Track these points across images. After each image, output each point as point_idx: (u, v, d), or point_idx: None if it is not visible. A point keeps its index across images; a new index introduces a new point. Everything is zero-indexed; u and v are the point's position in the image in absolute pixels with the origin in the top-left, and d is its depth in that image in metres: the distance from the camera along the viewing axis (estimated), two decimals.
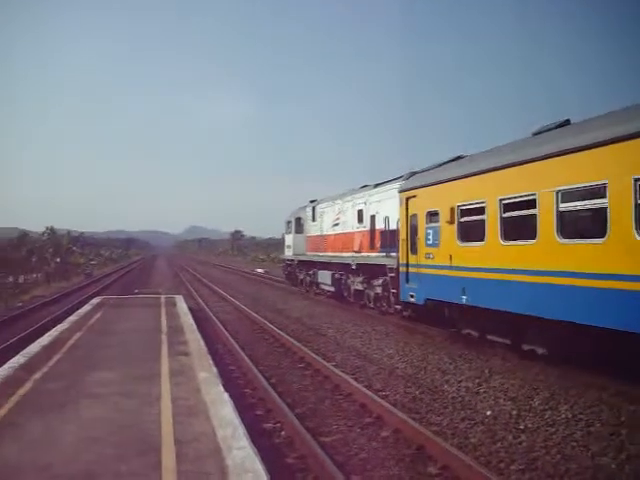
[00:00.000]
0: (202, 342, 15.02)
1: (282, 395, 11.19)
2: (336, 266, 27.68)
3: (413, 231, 18.31)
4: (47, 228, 69.75)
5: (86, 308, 23.80)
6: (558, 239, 11.66)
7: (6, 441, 7.35)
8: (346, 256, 26.08)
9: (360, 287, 24.66)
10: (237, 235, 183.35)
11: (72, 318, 20.38)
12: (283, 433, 9.26)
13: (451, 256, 15.86)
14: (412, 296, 18.32)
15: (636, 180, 9.78)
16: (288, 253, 37.53)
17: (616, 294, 10.19)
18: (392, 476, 7.55)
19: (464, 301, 15.07)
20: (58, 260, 62.62)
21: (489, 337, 14.91)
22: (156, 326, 18.07)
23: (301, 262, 34.85)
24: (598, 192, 10.66)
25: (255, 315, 23.40)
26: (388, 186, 22.17)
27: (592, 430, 9.00)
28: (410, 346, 16.09)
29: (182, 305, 24.73)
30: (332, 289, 28.52)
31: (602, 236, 10.53)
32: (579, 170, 11.23)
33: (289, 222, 37.22)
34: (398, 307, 20.29)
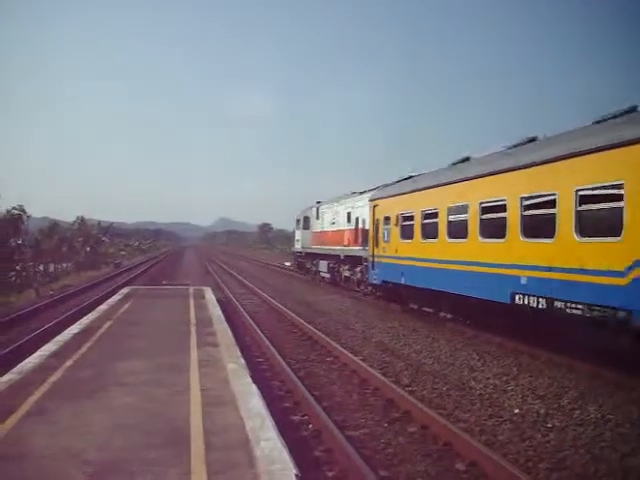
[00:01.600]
0: (230, 333, 15.11)
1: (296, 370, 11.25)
2: (331, 257, 34.12)
3: (376, 230, 24.36)
4: (77, 218, 70.43)
5: (115, 298, 24.05)
6: (447, 239, 17.71)
7: (38, 428, 7.45)
8: (338, 249, 32.13)
9: (348, 274, 31.19)
10: (266, 228, 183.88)
11: (102, 307, 20.62)
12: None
13: (396, 249, 22.03)
14: (375, 279, 24.57)
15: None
16: (297, 246, 43.94)
17: (479, 275, 15.60)
18: (419, 471, 7.55)
19: (403, 281, 21.20)
20: (88, 250, 63.32)
21: (423, 309, 20.85)
22: (185, 317, 18.21)
23: (307, 254, 40.96)
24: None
25: (282, 307, 23.47)
26: (365, 195, 28.04)
27: (621, 431, 8.91)
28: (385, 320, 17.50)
29: (210, 297, 24.88)
30: (328, 276, 35.20)
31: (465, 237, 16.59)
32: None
33: (298, 220, 43.40)
34: (369, 288, 26.52)
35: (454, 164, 19.23)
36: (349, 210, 30.75)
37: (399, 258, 21.58)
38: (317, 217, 38.21)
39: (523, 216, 13.79)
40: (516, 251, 14.04)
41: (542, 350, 13.93)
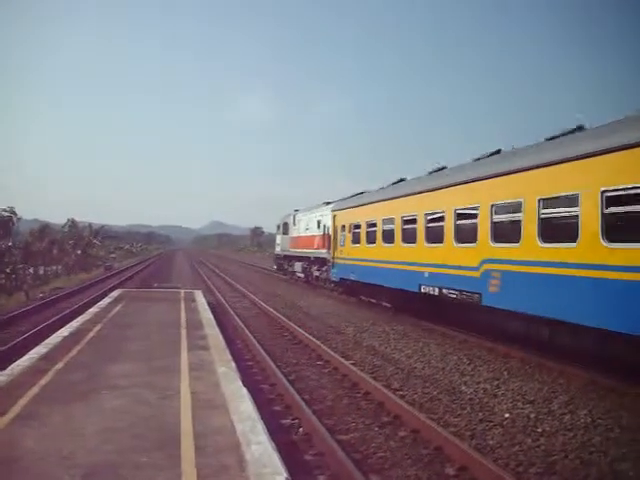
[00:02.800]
0: (221, 337, 15.09)
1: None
2: (304, 259, 38.79)
3: (336, 236, 29.33)
4: (68, 220, 70.24)
5: (106, 300, 23.95)
6: (382, 244, 22.37)
7: (28, 431, 7.42)
8: (309, 252, 36.80)
9: (317, 273, 35.87)
10: (257, 231, 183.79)
11: (92, 310, 20.53)
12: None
13: (349, 252, 26.77)
14: (334, 277, 29.48)
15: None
16: (278, 249, 48.42)
17: (401, 272, 20.31)
18: (410, 476, 7.55)
19: (353, 278, 26.03)
20: (79, 252, 63.11)
21: (371, 300, 25.35)
22: (175, 320, 18.16)
23: (285, 256, 45.15)
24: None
25: (269, 308, 23.52)
26: (330, 206, 32.35)
27: (611, 435, 8.94)
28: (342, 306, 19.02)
29: (201, 300, 24.84)
30: (302, 275, 39.86)
31: (392, 242, 21.31)
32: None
33: (279, 225, 47.63)
34: (332, 285, 31.70)
35: (393, 183, 24.12)
36: (319, 218, 35.15)
37: (351, 259, 26.57)
38: (294, 223, 42.37)
39: (427, 227, 18.50)
40: (422, 253, 18.77)
41: (533, 355, 13.99)
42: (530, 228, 13.21)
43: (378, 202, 23.45)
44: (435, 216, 17.90)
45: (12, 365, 11.29)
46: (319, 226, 34.79)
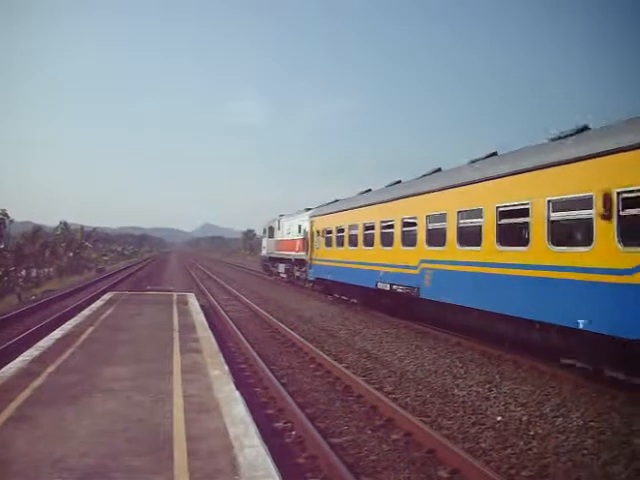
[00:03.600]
0: (214, 340, 15.07)
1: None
2: (287, 261, 41.97)
3: (312, 240, 32.12)
4: (61, 222, 70.04)
5: (98, 303, 23.92)
6: (348, 247, 25.67)
7: (20, 434, 7.39)
8: (291, 254, 39.90)
9: (298, 273, 38.80)
10: (250, 234, 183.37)
11: (84, 313, 20.50)
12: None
13: (323, 254, 29.82)
14: (311, 276, 32.58)
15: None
16: (264, 252, 52.13)
17: (363, 271, 23.32)
18: (403, 479, 7.57)
19: (329, 278, 28.78)
20: (71, 255, 62.90)
21: (343, 297, 27.91)
22: (168, 323, 18.15)
23: (271, 258, 48.36)
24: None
25: (261, 311, 23.51)
26: (310, 212, 34.85)
27: (603, 438, 8.95)
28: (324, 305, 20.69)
29: (194, 302, 24.83)
30: (285, 276, 43.23)
31: (356, 246, 24.54)
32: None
33: (265, 229, 51.41)
34: (310, 284, 34.73)
35: (360, 193, 27.63)
36: (300, 223, 38.03)
37: (325, 260, 29.63)
38: (279, 228, 45.08)
39: (382, 233, 21.79)
40: (378, 255, 21.99)
41: (525, 358, 14.01)
42: (451, 235, 16.43)
43: (346, 210, 26.76)
44: (388, 224, 21.17)
45: (4, 368, 11.26)
46: (300, 230, 37.77)
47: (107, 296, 27.37)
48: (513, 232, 13.96)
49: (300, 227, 37.78)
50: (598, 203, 10.97)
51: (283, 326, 20.07)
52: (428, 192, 18.21)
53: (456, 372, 13.45)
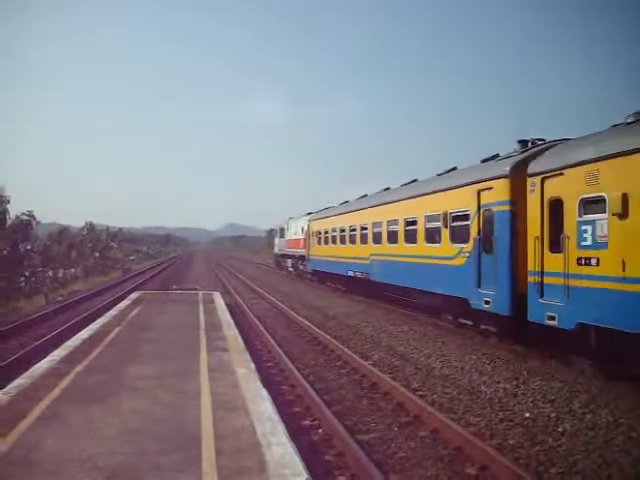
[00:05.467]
0: (240, 338, 15.14)
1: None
2: (293, 257, 49.85)
3: (309, 239, 41.12)
4: (86, 223, 70.74)
5: (125, 303, 24.12)
6: (331, 245, 34.39)
7: (49, 433, 7.48)
8: (296, 251, 47.66)
9: (301, 267, 46.29)
10: (272, 233, 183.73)
11: (111, 312, 20.69)
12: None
13: (316, 251, 38.45)
14: (309, 269, 41.93)
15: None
16: (276, 250, 61.00)
17: (342, 263, 31.61)
18: (430, 476, 7.53)
19: (320, 269, 37.69)
20: (97, 255, 63.50)
21: (333, 285, 35.70)
22: (194, 322, 18.26)
23: (281, 255, 56.99)
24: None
25: (284, 307, 23.55)
26: (310, 216, 42.93)
27: (633, 435, 8.83)
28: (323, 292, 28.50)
29: (219, 301, 24.96)
30: (292, 269, 50.90)
31: (336, 244, 33.98)
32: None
33: (276, 230, 60.58)
34: (309, 275, 43.03)
35: (340, 204, 36.62)
36: (302, 225, 44.95)
37: (317, 256, 38.82)
38: (288, 229, 52.52)
39: (349, 235, 30.56)
40: (348, 251, 30.46)
41: (552, 354, 13.88)
42: (385, 236, 24.55)
43: (330, 217, 35.80)
44: (353, 228, 29.96)
45: (32, 368, 11.40)
46: (302, 231, 44.81)
47: (133, 295, 27.59)
48: (411, 235, 21.47)
49: (302, 228, 44.78)
50: (443, 219, 18.42)
51: (309, 324, 20.08)
52: (371, 207, 27.25)
53: (483, 369, 13.37)
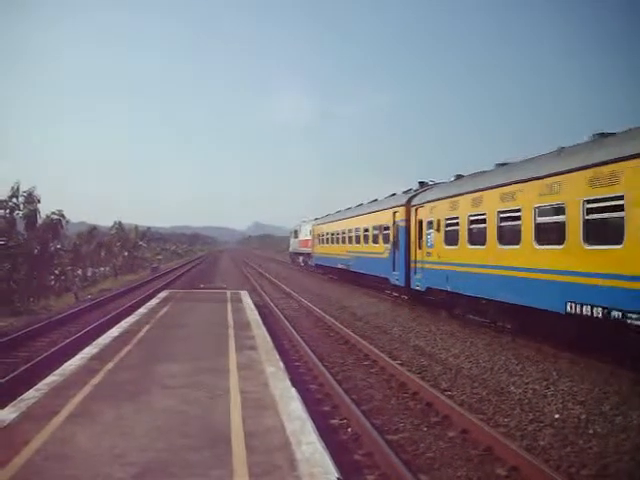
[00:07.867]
0: (268, 337, 15.20)
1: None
2: (304, 254, 59.85)
3: (313, 240, 51.63)
4: (115, 222, 71.37)
5: (154, 301, 24.33)
6: (330, 244, 43.92)
7: (81, 430, 7.58)
8: (306, 249, 57.02)
9: (310, 262, 54.30)
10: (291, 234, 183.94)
11: (141, 311, 20.88)
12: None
13: (319, 249, 48.73)
14: (314, 263, 51.50)
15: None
16: (291, 249, 73.66)
17: (340, 258, 39.49)
18: (460, 476, 7.52)
19: (321, 263, 48.04)
20: (126, 254, 64.10)
21: (333, 277, 43.53)
22: (223, 320, 18.36)
23: (295, 253, 68.95)
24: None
25: (312, 306, 23.61)
26: (315, 221, 52.74)
27: None
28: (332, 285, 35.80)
29: (247, 300, 25.06)
30: (303, 264, 60.87)
31: (335, 243, 43.09)
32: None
33: (292, 232, 71.62)
34: (314, 268, 51.99)
35: (337, 212, 45.02)
36: (310, 228, 54.44)
37: (319, 253, 48.57)
38: (300, 231, 62.51)
39: (339, 237, 39.53)
40: (337, 249, 39.67)
41: (582, 355, 13.74)
42: (354, 239, 34.68)
43: (326, 223, 45.71)
44: (338, 232, 39.96)
45: (64, 365, 11.55)
46: (310, 233, 54.17)
47: (162, 294, 27.83)
48: (366, 238, 32.04)
49: (310, 231, 54.43)
50: (379, 229, 29.03)
51: (337, 324, 20.11)
52: (346, 218, 38.15)
53: (512, 369, 13.29)
